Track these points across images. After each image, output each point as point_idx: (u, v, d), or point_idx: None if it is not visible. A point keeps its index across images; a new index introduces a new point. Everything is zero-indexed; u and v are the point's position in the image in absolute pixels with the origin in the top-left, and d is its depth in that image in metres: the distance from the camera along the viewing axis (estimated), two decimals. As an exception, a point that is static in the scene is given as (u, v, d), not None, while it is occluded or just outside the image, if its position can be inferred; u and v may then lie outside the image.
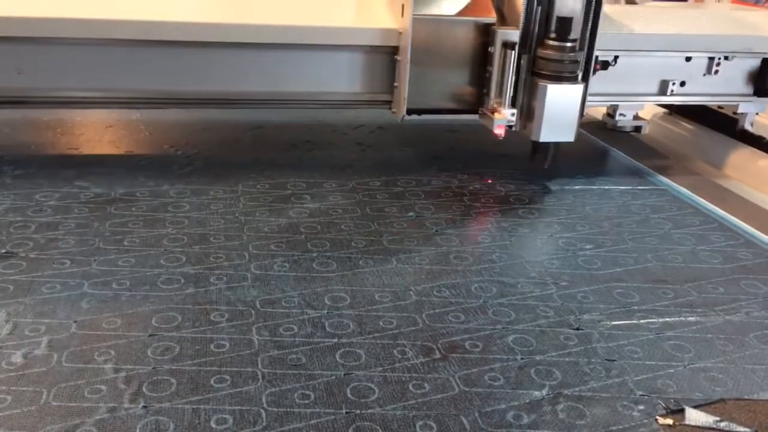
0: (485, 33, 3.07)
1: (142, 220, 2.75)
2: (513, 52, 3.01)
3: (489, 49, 3.07)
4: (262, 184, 3.17)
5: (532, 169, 3.42)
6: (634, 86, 3.62)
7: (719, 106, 4.00)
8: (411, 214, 2.97)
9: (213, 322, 2.12)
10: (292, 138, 3.83)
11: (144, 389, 1.81)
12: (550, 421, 1.80)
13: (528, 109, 3.14)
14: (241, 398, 1.81)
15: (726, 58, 3.61)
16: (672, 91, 3.63)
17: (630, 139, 4.20)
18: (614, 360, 2.06)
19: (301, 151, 3.67)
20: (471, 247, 2.70)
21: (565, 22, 2.98)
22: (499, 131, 3.11)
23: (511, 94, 3.10)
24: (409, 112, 3.18)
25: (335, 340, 2.08)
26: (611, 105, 4.22)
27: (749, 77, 3.70)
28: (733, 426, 1.81)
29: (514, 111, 3.12)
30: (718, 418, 1.83)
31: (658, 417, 1.83)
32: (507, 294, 2.39)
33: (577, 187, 3.37)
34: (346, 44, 3.14)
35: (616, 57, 3.47)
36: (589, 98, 3.64)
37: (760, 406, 1.89)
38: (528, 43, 3.06)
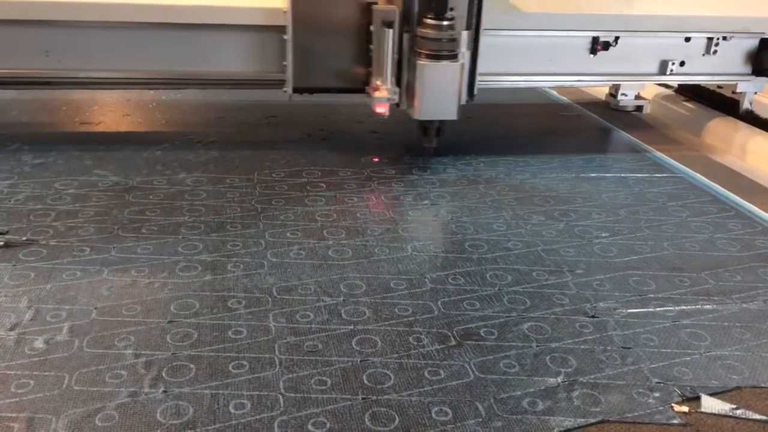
0: (368, 12, 3.03)
1: (160, 208, 2.78)
2: (391, 30, 2.96)
3: (370, 28, 3.03)
4: (277, 173, 3.18)
5: (551, 151, 3.40)
6: (634, 66, 3.63)
7: (718, 86, 3.99)
8: (426, 201, 2.97)
9: (230, 308, 2.15)
10: (307, 126, 3.84)
11: (164, 374, 1.84)
12: (565, 407, 1.80)
13: (410, 88, 3.11)
14: (259, 384, 1.83)
15: (724, 38, 3.62)
16: (672, 70, 3.65)
17: (633, 119, 4.19)
18: (630, 348, 2.06)
19: (316, 140, 3.68)
20: (486, 235, 2.70)
21: (441, 1, 2.92)
22: (381, 110, 3.08)
23: (393, 73, 3.05)
24: (296, 90, 3.17)
25: (351, 327, 2.09)
26: (613, 85, 4.22)
27: (748, 57, 3.72)
28: (750, 413, 1.81)
29: (397, 89, 3.08)
30: (734, 406, 1.83)
31: (674, 404, 1.83)
32: (522, 282, 2.39)
33: (592, 174, 3.36)
34: (232, 24, 3.12)
35: (617, 38, 3.47)
36: (591, 78, 3.63)
37: (777, 394, 1.89)
38: (410, 22, 3.02)
